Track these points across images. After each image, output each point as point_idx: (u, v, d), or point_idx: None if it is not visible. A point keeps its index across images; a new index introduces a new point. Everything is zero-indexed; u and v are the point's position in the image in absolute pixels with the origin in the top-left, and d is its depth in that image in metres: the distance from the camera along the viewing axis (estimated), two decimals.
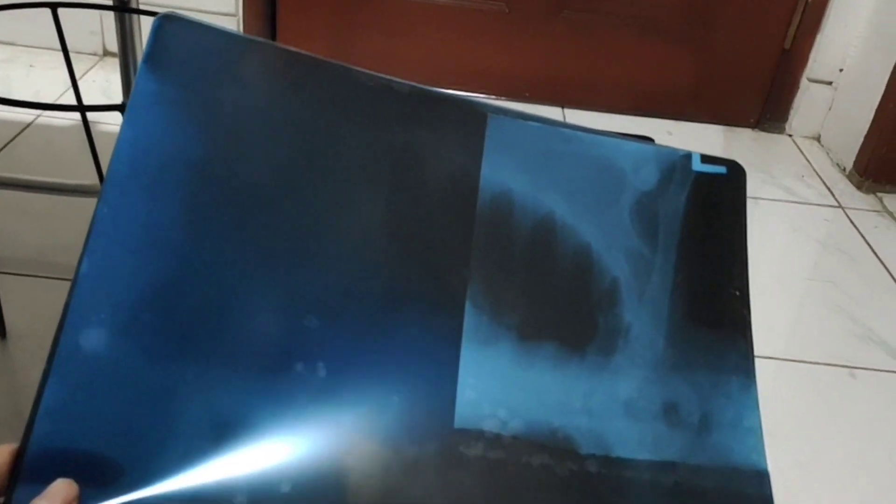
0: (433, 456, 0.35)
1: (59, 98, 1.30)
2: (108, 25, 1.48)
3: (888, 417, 0.89)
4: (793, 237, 1.22)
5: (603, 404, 0.37)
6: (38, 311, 0.89)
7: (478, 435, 0.36)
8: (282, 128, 0.38)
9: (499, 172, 0.40)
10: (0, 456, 0.31)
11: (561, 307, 0.39)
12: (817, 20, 1.44)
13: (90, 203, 0.36)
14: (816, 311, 1.05)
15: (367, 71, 0.40)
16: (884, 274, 1.15)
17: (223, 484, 0.32)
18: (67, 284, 0.33)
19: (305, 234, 0.37)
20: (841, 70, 1.47)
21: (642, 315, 0.39)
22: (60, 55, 0.79)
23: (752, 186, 0.40)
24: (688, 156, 0.43)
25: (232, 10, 1.47)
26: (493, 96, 1.53)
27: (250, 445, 0.33)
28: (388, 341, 0.36)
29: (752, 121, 1.54)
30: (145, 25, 0.74)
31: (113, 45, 1.49)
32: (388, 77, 0.40)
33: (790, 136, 1.53)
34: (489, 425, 0.36)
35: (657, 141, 0.45)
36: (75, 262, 0.34)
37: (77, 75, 1.42)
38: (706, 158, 0.43)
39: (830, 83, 1.49)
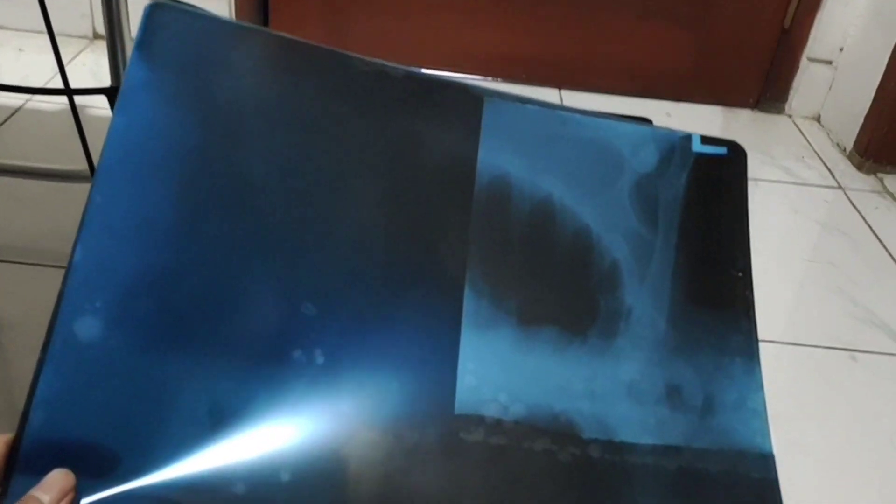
0: (433, 442, 0.35)
1: (48, 82, 1.28)
2: (99, 7, 1.45)
3: (890, 401, 0.89)
4: (793, 219, 1.21)
5: (605, 388, 0.37)
6: (29, 299, 0.88)
7: (478, 420, 0.35)
8: (276, 114, 0.38)
9: (496, 156, 0.40)
10: None
11: (561, 290, 0.39)
12: None
13: (81, 189, 0.35)
14: (816, 294, 1.04)
15: (362, 56, 0.40)
16: (885, 256, 1.13)
17: (221, 472, 0.32)
18: (59, 272, 0.33)
19: (301, 221, 0.37)
20: (841, 49, 1.46)
21: (643, 297, 0.39)
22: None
23: (752, 167, 0.40)
24: (688, 137, 0.42)
25: None
26: (490, 78, 1.51)
27: (248, 433, 0.33)
28: (387, 327, 0.36)
29: (751, 101, 1.52)
30: (133, 7, 0.72)
31: (103, 28, 1.47)
32: (382, 62, 0.40)
33: (790, 116, 1.52)
34: (490, 411, 0.36)
35: (655, 123, 0.44)
36: (67, 249, 0.33)
37: (67, 59, 1.40)
38: (706, 139, 0.42)
39: (830, 62, 1.47)
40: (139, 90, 0.36)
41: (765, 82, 1.51)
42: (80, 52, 1.44)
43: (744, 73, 1.51)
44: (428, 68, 1.47)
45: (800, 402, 0.88)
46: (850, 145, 1.39)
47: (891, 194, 1.29)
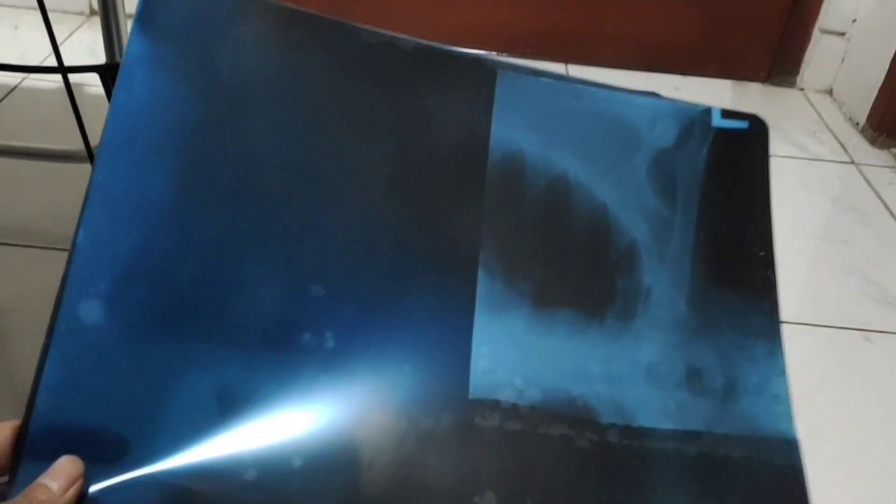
0: (447, 428, 0.34)
1: (44, 60, 1.26)
2: None
3: None
4: (805, 195, 1.18)
5: (623, 371, 0.36)
6: (27, 282, 0.86)
7: (493, 405, 0.35)
8: (281, 89, 0.37)
9: (510, 131, 0.39)
10: (2, 433, 0.31)
11: (577, 270, 0.38)
12: None
13: (79, 169, 0.35)
14: (830, 273, 1.03)
15: (369, 27, 0.39)
16: None
17: (232, 459, 0.32)
18: (57, 254, 0.32)
19: (308, 199, 0.36)
20: (854, 20, 1.43)
21: (662, 277, 0.38)
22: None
23: None
24: (707, 111, 0.41)
25: None
26: (495, 53, 1.48)
27: (258, 419, 0.33)
28: (399, 309, 0.35)
29: (761, 75, 1.50)
30: None
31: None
32: (391, 33, 0.39)
33: (801, 89, 1.49)
34: (505, 395, 0.35)
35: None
36: (65, 231, 0.34)
37: (64, 35, 1.38)
38: (727, 113, 0.41)
39: (843, 34, 1.45)
40: (140, 65, 0.35)
41: (775, 55, 1.48)
42: (77, 28, 1.41)
43: (754, 45, 1.48)
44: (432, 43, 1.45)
45: (813, 384, 0.86)
46: (863, 119, 1.36)
47: None
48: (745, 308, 0.38)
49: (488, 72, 0.39)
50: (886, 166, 1.27)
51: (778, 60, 1.49)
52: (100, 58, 0.77)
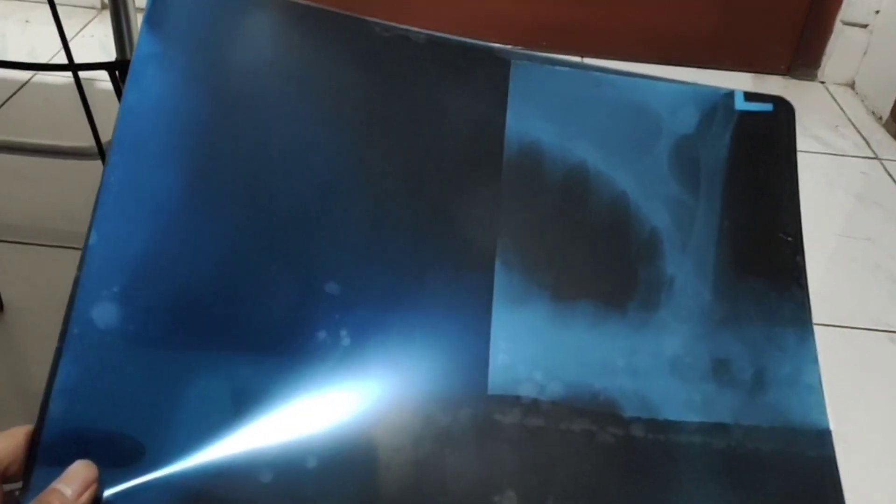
0: (466, 425, 0.34)
1: (55, 55, 1.25)
2: None
3: None
4: (827, 191, 1.16)
5: (647, 363, 0.36)
6: (38, 281, 0.86)
7: (513, 401, 0.34)
8: (292, 84, 0.37)
9: (525, 122, 0.38)
10: (15, 438, 0.30)
11: (597, 261, 0.37)
12: None
13: (90, 166, 0.34)
14: (853, 271, 1.00)
15: (381, 21, 0.38)
16: None
17: (247, 460, 0.32)
18: (69, 253, 0.32)
19: (321, 196, 0.35)
20: (877, 12, 1.40)
21: (686, 266, 0.37)
22: (57, 8, 0.74)
23: None
24: (730, 94, 0.40)
25: None
26: (508, 45, 1.47)
27: (273, 419, 0.32)
28: (415, 305, 0.35)
29: (782, 67, 1.47)
30: None
31: None
32: (403, 27, 0.38)
33: (823, 83, 1.47)
34: (525, 390, 0.34)
35: None
36: (77, 229, 0.33)
37: (75, 30, 1.37)
38: (750, 96, 0.40)
39: (866, 26, 1.42)
40: (149, 65, 0.35)
41: (796, 47, 1.46)
42: (88, 22, 1.41)
43: (774, 37, 1.46)
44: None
45: (835, 386, 0.84)
46: (886, 113, 1.34)
47: None
48: (773, 296, 0.37)
49: (502, 63, 0.39)
50: None
51: (799, 53, 1.46)
52: (109, 52, 0.76)
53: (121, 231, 0.33)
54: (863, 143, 1.29)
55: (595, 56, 1.47)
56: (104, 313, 0.32)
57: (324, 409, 0.33)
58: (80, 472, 0.30)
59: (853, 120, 1.35)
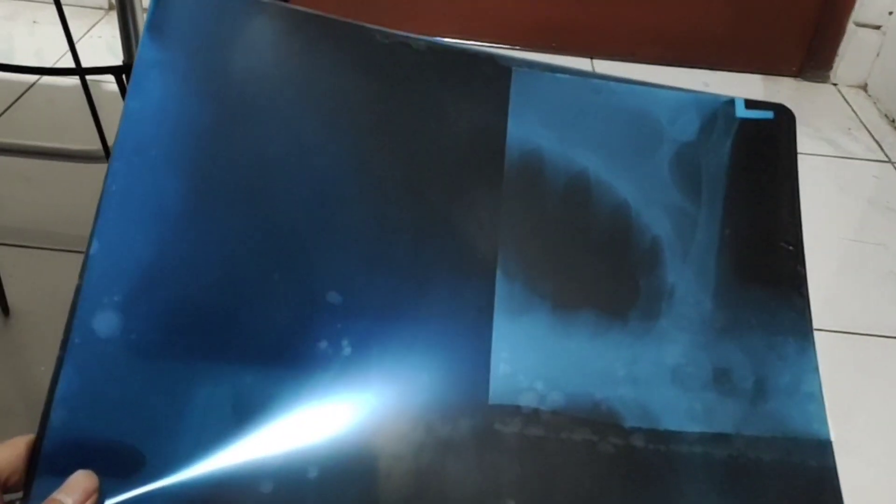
0: (467, 435, 0.34)
1: (62, 56, 1.25)
2: None
3: None
4: (838, 195, 1.15)
5: (648, 373, 0.36)
6: (42, 286, 0.86)
7: (514, 411, 0.34)
8: (293, 92, 0.37)
9: (526, 129, 0.38)
10: (16, 448, 0.30)
11: (598, 271, 0.37)
12: None
13: (97, 169, 0.34)
14: (864, 277, 0.99)
15: (382, 28, 0.38)
16: None
17: (248, 470, 0.32)
18: (74, 257, 0.32)
19: (322, 204, 0.36)
20: (891, 13, 1.39)
21: (687, 275, 0.37)
22: (64, 9, 0.74)
23: None
24: (730, 102, 0.40)
25: None
26: (518, 47, 1.46)
27: (274, 429, 0.33)
28: (416, 315, 0.35)
29: (793, 69, 1.47)
30: None
31: None
32: (404, 34, 0.38)
33: (835, 85, 1.46)
34: (526, 400, 0.35)
35: None
36: (83, 233, 0.33)
37: (83, 31, 1.37)
38: (751, 103, 0.40)
39: (879, 27, 1.41)
40: (151, 72, 0.35)
41: (808, 49, 1.45)
42: (96, 23, 1.40)
43: (785, 38, 1.45)
44: (454, 38, 1.43)
45: (846, 395, 0.84)
46: None
47: None
48: (773, 304, 0.37)
49: (503, 70, 0.39)
50: None
51: (810, 54, 1.45)
52: (117, 53, 0.76)
53: (122, 239, 0.33)
54: (875, 146, 1.28)
55: (603, 57, 1.46)
56: (105, 322, 0.32)
57: (325, 418, 0.33)
58: (80, 482, 0.30)
59: (865, 123, 1.34)
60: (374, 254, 0.35)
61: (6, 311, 0.82)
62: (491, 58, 0.39)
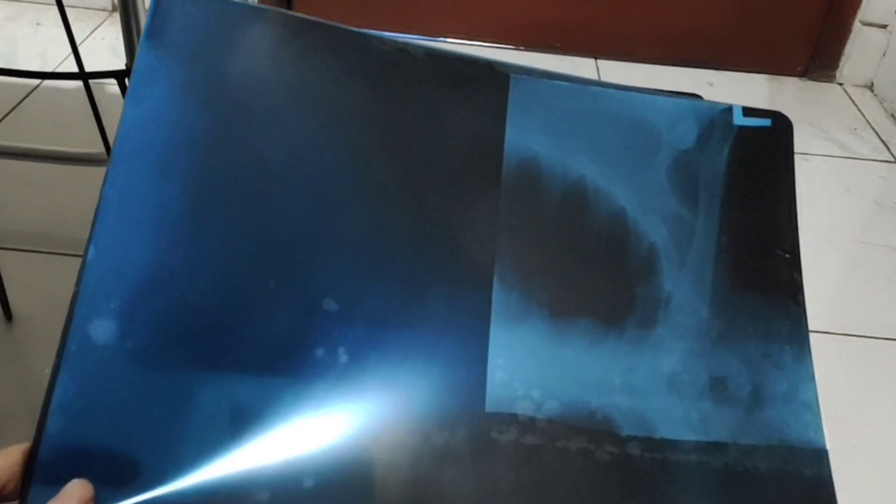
0: (463, 443, 0.34)
1: (65, 58, 1.25)
2: None
3: None
4: (844, 196, 1.15)
5: (644, 381, 0.36)
6: (45, 290, 0.86)
7: (510, 419, 0.34)
8: (292, 99, 0.37)
9: (524, 136, 0.38)
10: (12, 456, 0.30)
11: (595, 279, 0.37)
12: None
13: (99, 172, 0.34)
14: (870, 279, 0.99)
15: (381, 34, 0.38)
16: None
17: (244, 479, 0.32)
18: (76, 261, 0.32)
19: (320, 212, 0.36)
20: None
21: (684, 283, 0.37)
22: (68, 11, 0.74)
23: (800, 141, 0.39)
24: (728, 109, 0.40)
25: None
26: (522, 48, 1.46)
27: (270, 437, 0.33)
28: (413, 323, 0.35)
29: (799, 69, 1.46)
30: None
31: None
32: (402, 40, 0.38)
33: (841, 84, 1.45)
34: (522, 408, 0.35)
35: (697, 93, 0.40)
36: (84, 237, 0.33)
37: (85, 33, 1.37)
38: (749, 111, 0.40)
39: (885, 26, 1.41)
40: (149, 79, 0.35)
41: (814, 48, 1.44)
42: (99, 25, 1.41)
43: (791, 38, 1.45)
44: (457, 39, 1.43)
45: (850, 398, 0.83)
46: None
47: None
48: (770, 313, 0.38)
49: (501, 77, 0.39)
50: None
51: (816, 54, 1.45)
52: (120, 56, 0.76)
53: (119, 246, 0.33)
54: (882, 146, 1.27)
55: (607, 57, 1.46)
56: (102, 329, 0.32)
57: (321, 426, 0.33)
58: (76, 491, 0.30)
59: (872, 123, 1.34)
60: (372, 261, 0.35)
61: (8, 315, 0.82)
62: (489, 65, 0.39)
